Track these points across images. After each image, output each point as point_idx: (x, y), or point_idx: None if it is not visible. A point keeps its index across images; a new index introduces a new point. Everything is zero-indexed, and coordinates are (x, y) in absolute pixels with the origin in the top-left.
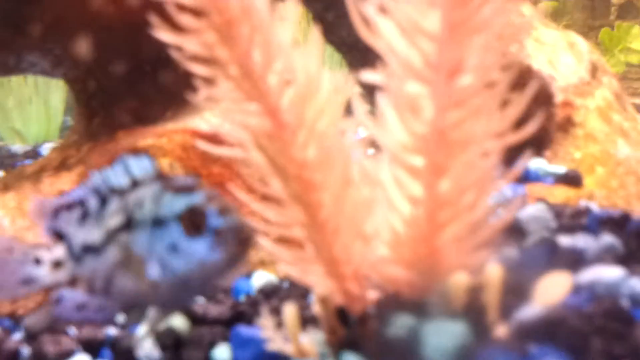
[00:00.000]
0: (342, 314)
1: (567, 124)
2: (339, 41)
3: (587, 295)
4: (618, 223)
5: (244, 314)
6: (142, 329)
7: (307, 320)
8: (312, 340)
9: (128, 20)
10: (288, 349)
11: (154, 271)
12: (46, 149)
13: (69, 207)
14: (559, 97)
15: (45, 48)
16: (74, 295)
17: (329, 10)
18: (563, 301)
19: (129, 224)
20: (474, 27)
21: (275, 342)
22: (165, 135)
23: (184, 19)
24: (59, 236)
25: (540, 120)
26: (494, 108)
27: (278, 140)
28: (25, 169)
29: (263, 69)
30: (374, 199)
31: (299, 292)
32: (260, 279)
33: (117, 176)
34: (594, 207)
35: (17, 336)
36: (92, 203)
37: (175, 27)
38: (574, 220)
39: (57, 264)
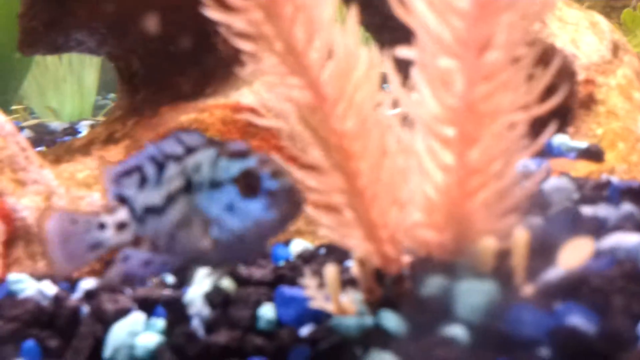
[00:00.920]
0: (379, 275)
1: (589, 101)
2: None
3: (609, 259)
4: (638, 193)
5: (285, 277)
6: (193, 289)
7: (345, 283)
8: (351, 299)
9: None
10: (329, 307)
11: (214, 230)
12: (83, 126)
13: (128, 172)
14: (581, 75)
15: (92, 27)
16: (139, 254)
17: None
18: (586, 264)
19: (188, 187)
20: (501, 5)
21: (317, 301)
22: (207, 110)
23: None
24: (122, 200)
25: (563, 94)
26: (520, 82)
27: (319, 112)
28: (74, 142)
29: (305, 45)
30: (408, 167)
31: (335, 258)
32: (298, 246)
33: (171, 146)
34: (615, 180)
35: (76, 296)
36: (149, 169)
37: (224, 5)
38: (596, 191)
39: (121, 226)
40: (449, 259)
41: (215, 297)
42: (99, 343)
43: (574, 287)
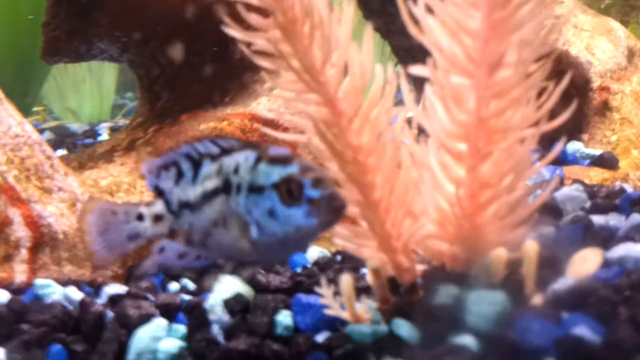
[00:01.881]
0: (393, 284)
1: (604, 108)
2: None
3: (617, 269)
4: None
5: (302, 284)
6: (213, 296)
7: (360, 290)
8: (366, 307)
9: (191, 10)
10: (344, 314)
11: (252, 231)
12: (103, 128)
13: (166, 167)
14: (596, 82)
15: (114, 36)
16: (175, 246)
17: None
18: (594, 274)
19: (225, 187)
20: (512, 25)
21: (333, 309)
22: (226, 119)
23: (252, 18)
24: (159, 192)
25: (574, 109)
26: (531, 99)
27: (335, 127)
28: (96, 148)
29: (322, 63)
30: (421, 180)
31: (351, 266)
32: (315, 253)
33: (206, 146)
34: (629, 188)
35: (100, 301)
36: (185, 165)
37: (244, 24)
38: (608, 200)
39: (157, 218)
40: (461, 269)
41: (234, 304)
42: (123, 347)
43: (581, 297)
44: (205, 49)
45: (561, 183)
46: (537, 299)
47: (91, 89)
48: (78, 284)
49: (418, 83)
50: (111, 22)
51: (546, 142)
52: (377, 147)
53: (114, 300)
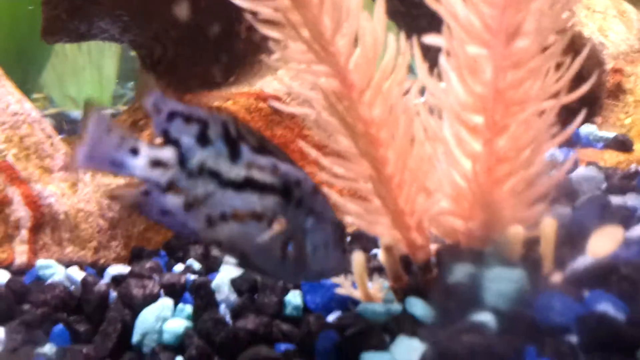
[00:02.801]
0: (406, 263)
1: (617, 91)
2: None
3: (638, 248)
4: None
5: None
6: (220, 276)
7: (371, 271)
8: (378, 286)
9: None
10: (356, 293)
11: (309, 250)
12: None
13: (187, 118)
14: (609, 65)
15: (115, 15)
16: (164, 199)
17: None
18: (615, 253)
19: (284, 193)
20: None
21: (345, 288)
22: (231, 98)
23: None
24: (167, 139)
25: (592, 83)
26: (549, 70)
27: (346, 100)
28: None
29: (332, 32)
30: (435, 155)
31: (361, 246)
32: None
33: (248, 132)
34: None
35: (104, 282)
36: (215, 131)
37: None
38: (624, 181)
39: (156, 163)
40: (477, 247)
41: (241, 284)
42: (127, 328)
43: (602, 276)
44: (209, 28)
45: (575, 165)
46: (557, 277)
47: (92, 77)
48: (80, 265)
49: (433, 55)
50: (112, 1)
51: (558, 125)
52: (389, 120)
53: (117, 280)
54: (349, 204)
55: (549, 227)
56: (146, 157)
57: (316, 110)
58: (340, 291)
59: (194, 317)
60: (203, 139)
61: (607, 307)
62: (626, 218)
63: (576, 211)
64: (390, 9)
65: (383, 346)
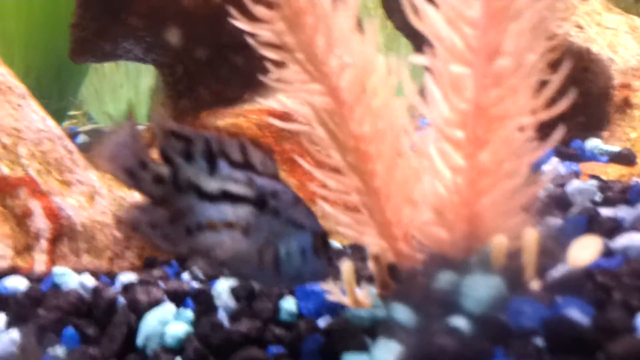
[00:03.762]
0: (393, 271)
1: (625, 106)
2: None
3: (620, 259)
4: None
5: None
6: (220, 283)
7: (366, 279)
8: (366, 293)
9: (210, 11)
10: (345, 300)
11: (284, 257)
12: None
13: (178, 136)
14: (617, 80)
15: (139, 36)
16: (154, 213)
17: None
18: (597, 262)
19: (258, 203)
20: (510, 15)
21: (334, 294)
22: (243, 114)
23: (259, 10)
24: (165, 157)
25: (573, 97)
26: (529, 87)
27: (338, 116)
28: None
29: (325, 54)
30: (421, 168)
31: (360, 256)
32: None
33: (232, 148)
34: None
35: (115, 288)
36: (198, 149)
37: (251, 17)
38: (621, 194)
39: (158, 179)
40: (461, 256)
41: (240, 291)
42: (132, 331)
43: (578, 283)
44: (226, 47)
45: (573, 177)
46: (535, 285)
47: (128, 94)
48: (96, 274)
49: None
50: (136, 23)
51: (566, 137)
52: (378, 136)
53: (127, 287)
54: (341, 215)
55: (531, 237)
56: (151, 172)
57: (309, 127)
58: (330, 298)
59: (195, 321)
60: (188, 155)
61: (573, 311)
62: (612, 229)
63: (566, 223)
64: (400, 21)
65: (364, 348)
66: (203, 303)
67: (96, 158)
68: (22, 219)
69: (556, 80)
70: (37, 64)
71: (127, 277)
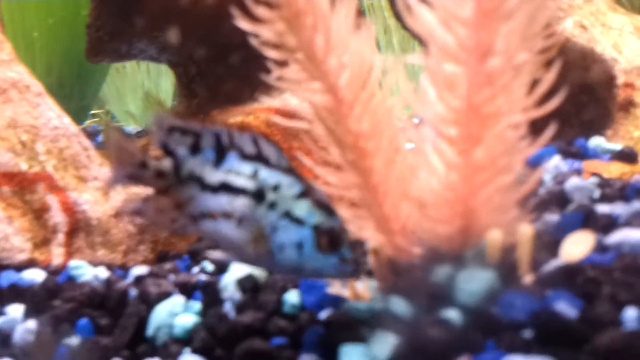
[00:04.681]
0: (392, 265)
1: (628, 105)
2: None
3: (614, 254)
4: None
5: None
6: (227, 276)
7: (368, 273)
8: (366, 286)
9: (222, 12)
10: (345, 293)
11: (275, 249)
12: None
13: (183, 131)
14: (620, 79)
15: (152, 36)
16: (158, 201)
17: None
18: (590, 258)
19: (257, 195)
20: (502, 14)
21: (335, 287)
22: (252, 113)
23: (259, 11)
24: (167, 151)
25: (564, 95)
26: (522, 86)
27: (337, 114)
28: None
29: (324, 53)
30: (418, 164)
31: (361, 251)
32: None
33: (243, 141)
34: None
35: (127, 280)
36: (207, 142)
37: (253, 17)
38: (619, 191)
39: (159, 174)
40: (457, 251)
41: (246, 283)
42: (143, 322)
43: (569, 278)
44: (238, 47)
45: (578, 176)
46: (528, 279)
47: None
48: (110, 267)
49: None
50: (150, 23)
51: (570, 136)
52: (375, 133)
53: (138, 279)
54: (341, 210)
55: (525, 233)
56: (153, 169)
57: (310, 124)
58: (331, 291)
59: (202, 313)
60: (195, 149)
61: (561, 304)
62: (607, 225)
63: (561, 219)
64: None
65: (362, 339)
66: (210, 295)
67: (111, 183)
68: (40, 214)
69: (549, 78)
70: (58, 63)
71: (139, 270)
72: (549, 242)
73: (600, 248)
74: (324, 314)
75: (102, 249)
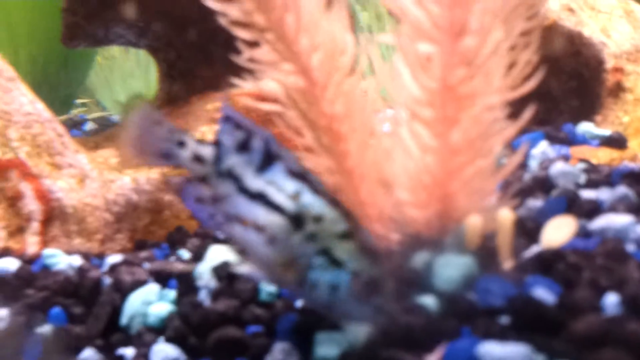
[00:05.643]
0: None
1: (617, 89)
2: None
3: (597, 240)
4: (637, 176)
5: None
6: (203, 264)
7: None
8: None
9: None
10: None
11: (306, 282)
12: None
13: (238, 125)
14: (609, 63)
15: (130, 21)
16: (200, 189)
17: None
18: (573, 243)
19: (296, 221)
20: None
21: None
22: (231, 98)
23: None
24: (216, 140)
25: (542, 76)
26: (499, 67)
27: (310, 96)
28: (114, 131)
29: (295, 33)
30: (394, 148)
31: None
32: None
33: (289, 156)
34: (634, 167)
35: (101, 269)
36: (258, 142)
37: None
38: (605, 177)
39: (197, 158)
40: (436, 237)
41: (222, 271)
42: (117, 311)
43: (549, 263)
44: (218, 33)
45: (565, 162)
46: (507, 265)
47: (139, 83)
48: (87, 256)
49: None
50: (127, 8)
51: (561, 122)
52: (349, 115)
53: (113, 268)
54: None
55: (505, 217)
56: (191, 151)
57: (282, 107)
58: None
59: (177, 301)
60: (244, 146)
61: (539, 290)
62: (592, 211)
63: (545, 205)
64: None
65: (337, 327)
66: (186, 283)
67: (123, 152)
68: (13, 202)
69: (524, 59)
70: (43, 52)
71: (114, 258)
72: (531, 228)
73: (584, 234)
74: (300, 302)
75: (78, 237)
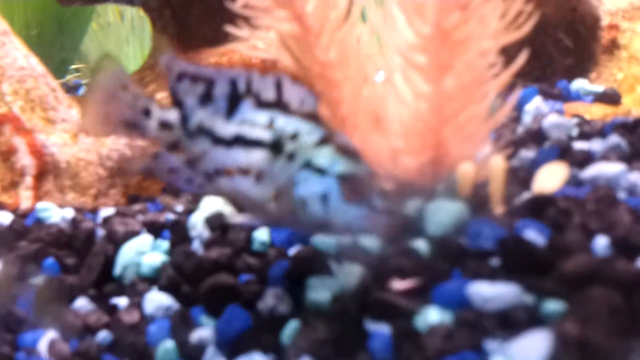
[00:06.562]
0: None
1: (612, 47)
2: None
3: (588, 188)
4: (629, 127)
5: None
6: (196, 214)
7: None
8: None
9: None
10: None
11: (297, 204)
12: None
13: (194, 78)
14: (605, 21)
15: None
16: (170, 159)
17: None
18: (563, 191)
19: (274, 147)
20: None
21: None
22: (226, 54)
23: None
24: (174, 99)
25: (533, 20)
26: (493, 12)
27: (304, 43)
28: None
29: None
30: (387, 95)
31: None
32: None
33: (263, 85)
34: (628, 119)
35: (95, 221)
36: (221, 91)
37: None
38: (598, 131)
39: (164, 125)
40: (429, 184)
41: (215, 221)
42: (110, 261)
43: (540, 209)
44: None
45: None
46: (498, 211)
47: (134, 49)
48: (81, 211)
49: None
50: None
51: (554, 78)
52: (343, 62)
53: (106, 220)
54: None
55: (498, 165)
56: (157, 119)
57: (275, 54)
58: None
59: (170, 251)
60: (205, 98)
61: (529, 232)
62: (583, 160)
63: (537, 155)
64: None
65: (329, 272)
66: (179, 233)
67: (86, 119)
68: (6, 156)
69: (517, 4)
70: (38, 18)
71: (107, 211)
72: (524, 178)
73: (576, 182)
74: (293, 251)
75: (71, 192)
